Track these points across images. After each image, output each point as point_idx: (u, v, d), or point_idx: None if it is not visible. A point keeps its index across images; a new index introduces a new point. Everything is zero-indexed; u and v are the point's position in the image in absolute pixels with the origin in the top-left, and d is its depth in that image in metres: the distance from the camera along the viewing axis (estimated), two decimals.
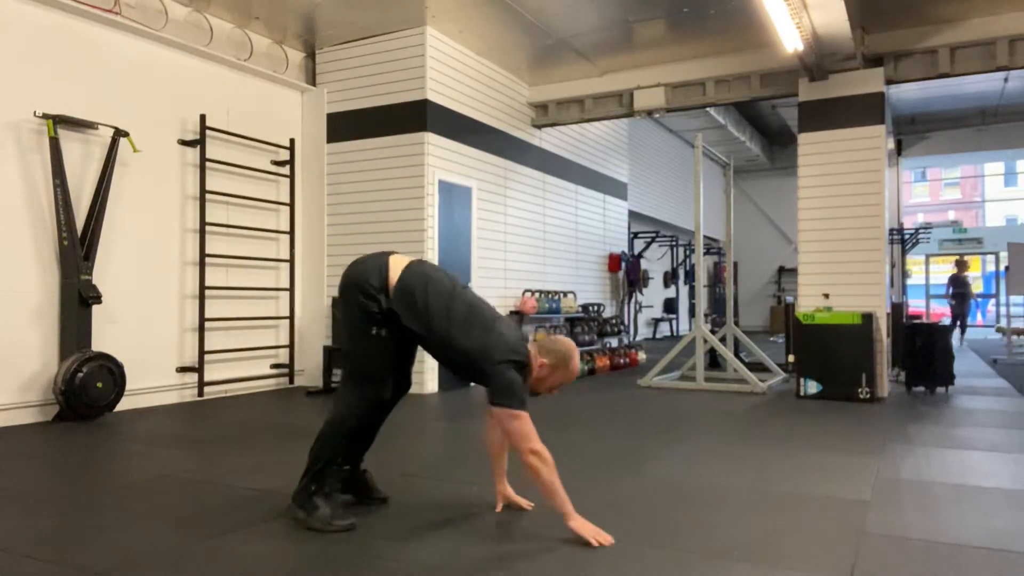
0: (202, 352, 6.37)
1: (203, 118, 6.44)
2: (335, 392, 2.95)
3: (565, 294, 9.28)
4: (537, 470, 2.63)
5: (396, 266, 2.84)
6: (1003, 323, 11.34)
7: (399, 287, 2.78)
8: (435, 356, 2.92)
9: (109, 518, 2.95)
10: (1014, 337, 11.39)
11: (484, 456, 4.20)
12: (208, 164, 6.49)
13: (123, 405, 5.59)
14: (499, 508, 3.05)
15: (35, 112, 5.28)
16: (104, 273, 5.68)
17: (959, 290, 13.89)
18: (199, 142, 6.44)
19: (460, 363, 2.80)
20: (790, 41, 6.06)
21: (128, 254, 5.95)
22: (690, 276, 16.78)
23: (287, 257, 7.36)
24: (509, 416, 2.66)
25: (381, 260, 2.86)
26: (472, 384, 7.55)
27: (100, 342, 5.60)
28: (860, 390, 6.32)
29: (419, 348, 3.00)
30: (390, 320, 2.80)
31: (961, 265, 14.04)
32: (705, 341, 7.40)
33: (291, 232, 7.39)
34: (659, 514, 3.00)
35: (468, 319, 2.76)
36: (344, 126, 7.47)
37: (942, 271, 17.75)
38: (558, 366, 2.83)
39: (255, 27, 7.02)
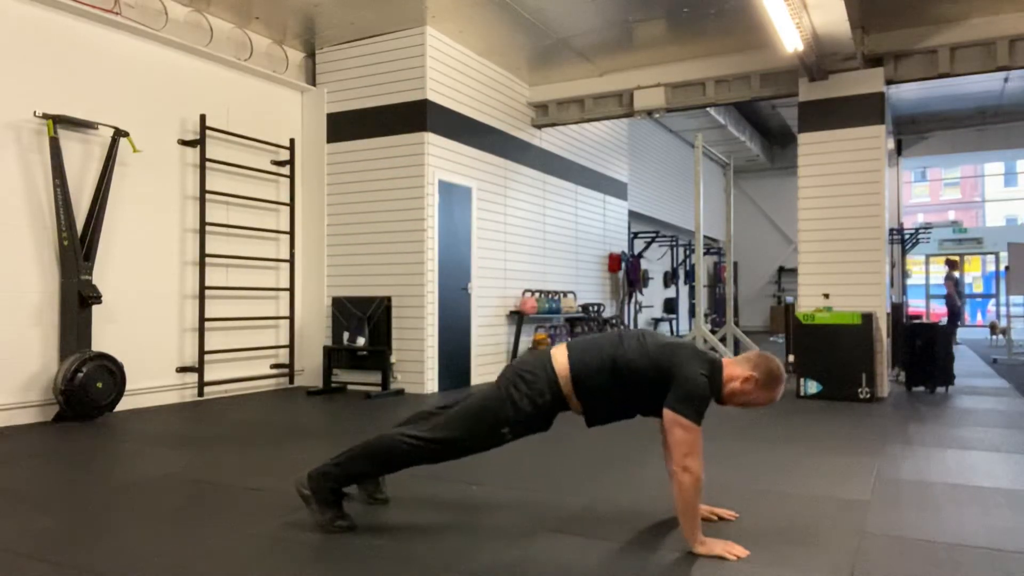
0: (202, 352, 6.37)
1: (203, 118, 6.44)
2: (425, 418, 2.81)
3: (565, 294, 9.29)
4: (684, 488, 2.47)
5: (559, 354, 2.72)
6: (1002, 322, 11.34)
7: (576, 372, 2.65)
8: (625, 411, 2.75)
9: (109, 518, 2.95)
10: (1014, 337, 11.38)
11: (484, 456, 4.20)
12: (208, 164, 6.49)
13: (123, 405, 5.59)
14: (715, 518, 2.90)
15: (35, 112, 5.28)
16: (104, 273, 5.68)
17: (960, 289, 13.95)
18: (199, 142, 6.44)
19: (648, 384, 2.61)
20: (790, 41, 6.06)
21: (128, 254, 5.95)
22: (690, 276, 16.77)
23: (287, 257, 7.36)
24: (681, 425, 2.48)
25: (550, 368, 2.70)
26: (471, 384, 7.57)
27: (100, 342, 5.60)
28: (860, 390, 6.32)
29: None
30: (528, 426, 2.69)
31: (954, 264, 14.10)
32: (705, 341, 7.40)
33: (291, 232, 7.39)
34: (659, 514, 3.00)
35: (645, 341, 2.67)
36: (344, 126, 7.47)
37: (942, 271, 17.74)
38: (765, 386, 2.63)
39: (255, 27, 7.02)
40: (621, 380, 2.64)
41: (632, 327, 12.26)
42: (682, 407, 2.50)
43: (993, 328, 13.16)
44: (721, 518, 2.90)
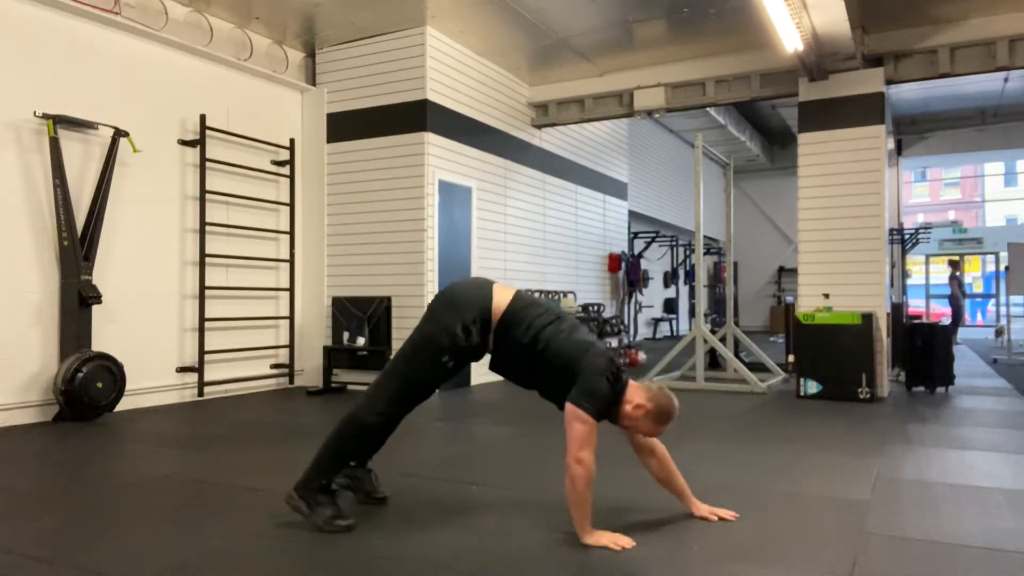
0: (202, 352, 6.37)
1: (203, 118, 6.44)
2: (369, 387, 2.91)
3: (565, 294, 9.28)
4: (577, 479, 2.57)
5: (501, 296, 2.82)
6: (1003, 322, 11.33)
7: (507, 311, 2.76)
8: (523, 379, 2.87)
9: (109, 518, 2.95)
10: (1014, 337, 11.38)
11: (484, 456, 4.20)
12: (208, 164, 6.49)
13: (123, 405, 5.59)
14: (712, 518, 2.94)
15: (35, 112, 5.28)
16: (104, 273, 5.68)
17: (962, 289, 13.99)
18: (199, 142, 6.44)
19: (556, 374, 2.71)
20: (790, 41, 6.06)
21: (128, 254, 5.95)
22: (690, 276, 16.77)
23: (287, 257, 7.36)
24: (577, 417, 2.57)
25: (486, 292, 2.82)
26: (471, 384, 7.57)
27: (100, 342, 5.59)
28: (860, 390, 6.31)
29: None
30: (467, 354, 2.80)
31: (956, 264, 14.12)
32: (705, 341, 7.40)
33: (291, 232, 7.39)
34: (659, 514, 3.00)
35: (570, 334, 2.74)
36: (344, 126, 7.47)
37: (942, 271, 17.74)
38: (655, 417, 2.71)
39: (255, 27, 7.02)
40: (534, 350, 2.73)
41: (627, 325, 12.27)
42: (583, 402, 2.59)
43: (999, 332, 13.08)
44: (722, 519, 2.91)
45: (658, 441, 2.90)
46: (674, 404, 2.73)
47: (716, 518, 2.91)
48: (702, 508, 2.93)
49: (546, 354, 2.72)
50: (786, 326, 8.74)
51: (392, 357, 2.95)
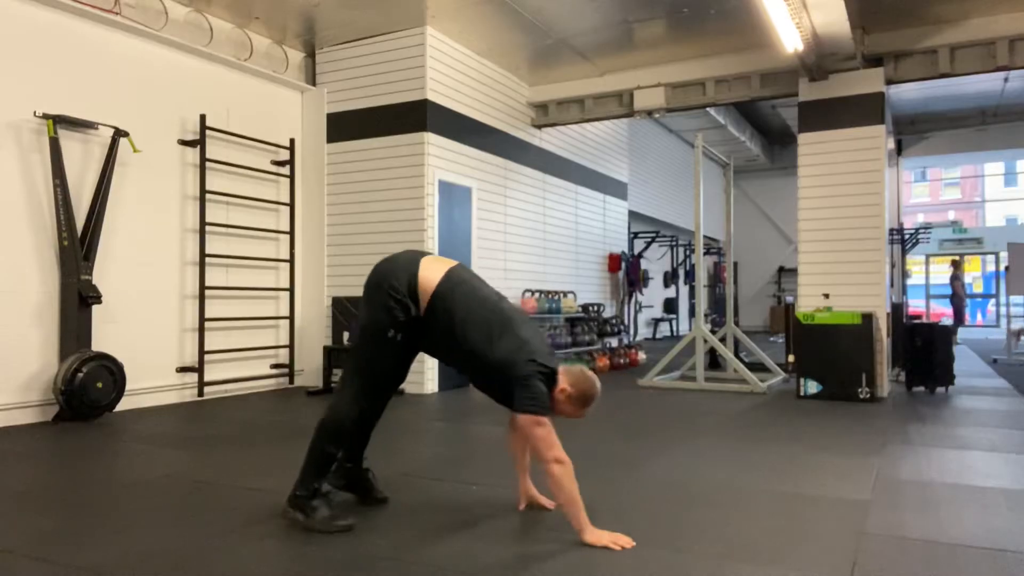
0: (202, 352, 6.37)
1: (203, 118, 6.44)
2: (336, 386, 2.96)
3: (565, 294, 9.28)
4: (560, 480, 2.62)
5: (430, 273, 2.81)
6: (1008, 324, 11.29)
7: (435, 295, 2.78)
8: (454, 362, 2.92)
9: (109, 518, 2.95)
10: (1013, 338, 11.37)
11: (484, 456, 4.20)
12: (208, 164, 6.49)
13: (123, 405, 5.59)
14: (522, 506, 3.04)
15: (35, 112, 5.28)
16: (104, 273, 5.68)
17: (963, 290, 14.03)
18: (199, 142, 6.44)
19: (486, 373, 2.79)
20: (790, 41, 6.06)
21: (128, 254, 5.95)
22: (690, 276, 16.77)
23: (287, 257, 7.36)
24: (534, 423, 2.65)
25: (413, 265, 2.83)
26: (472, 384, 7.56)
27: (100, 342, 5.59)
28: (860, 390, 6.31)
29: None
30: (410, 326, 2.80)
31: (959, 265, 14.14)
32: (705, 341, 7.40)
33: (291, 232, 7.39)
34: (659, 514, 3.00)
35: (500, 330, 2.75)
36: (344, 126, 7.47)
37: (942, 271, 17.74)
38: (576, 400, 2.80)
39: (255, 27, 7.02)
40: (461, 347, 2.78)
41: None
42: (533, 408, 2.66)
43: (1021, 334, 12.86)
44: (543, 507, 3.00)
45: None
46: (595, 387, 2.83)
47: (540, 507, 3.00)
48: (532, 490, 3.01)
49: (475, 352, 2.75)
50: (786, 326, 8.74)
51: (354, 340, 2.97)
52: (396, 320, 2.77)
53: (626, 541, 2.59)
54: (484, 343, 2.73)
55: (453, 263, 2.93)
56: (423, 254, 2.92)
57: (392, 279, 2.79)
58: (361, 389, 2.87)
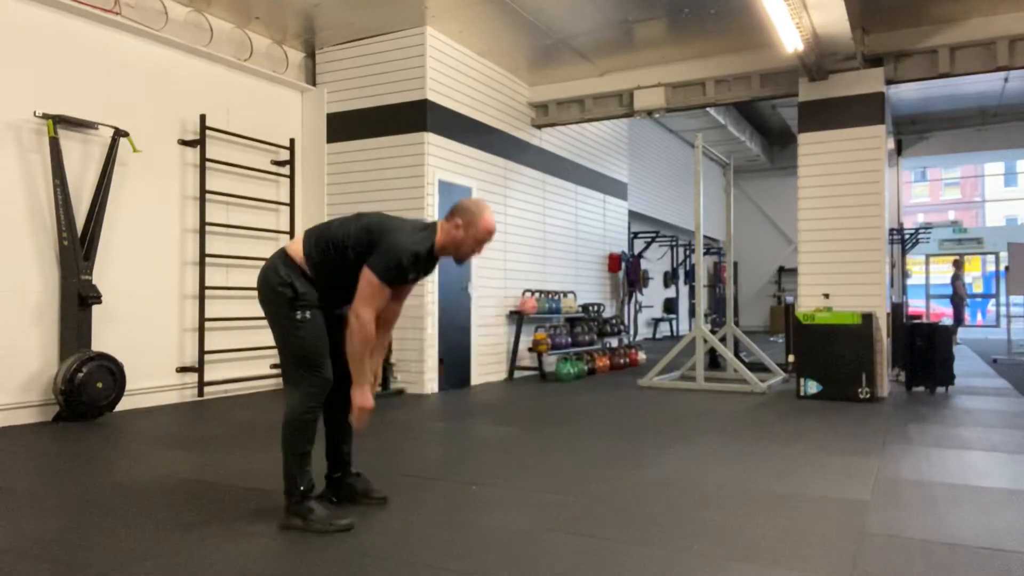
0: (202, 352, 6.37)
1: (203, 118, 6.44)
2: (284, 390, 2.97)
3: (565, 294, 9.29)
4: (353, 331, 2.75)
5: (294, 244, 2.92)
6: (1001, 322, 11.30)
7: (306, 253, 2.86)
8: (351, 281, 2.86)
9: (109, 518, 2.95)
10: (1014, 337, 11.38)
11: (484, 456, 4.21)
12: (208, 164, 6.49)
13: (123, 405, 5.59)
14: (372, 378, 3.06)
15: (35, 112, 5.28)
16: (104, 273, 5.68)
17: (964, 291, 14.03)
18: (199, 142, 6.44)
19: (360, 255, 2.80)
20: (790, 41, 6.06)
21: (128, 254, 5.95)
22: (690, 276, 16.77)
23: None
24: (367, 279, 2.74)
25: (279, 251, 2.96)
26: (471, 384, 7.57)
27: (100, 342, 5.59)
28: (860, 390, 6.31)
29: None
30: (308, 302, 2.84)
31: (960, 265, 14.13)
32: (705, 341, 7.40)
33: (291, 232, 7.39)
34: (659, 514, 3.00)
35: (375, 218, 2.89)
36: (344, 126, 7.47)
37: (942, 271, 17.75)
38: (472, 223, 2.87)
39: (255, 27, 7.02)
40: (340, 253, 2.83)
41: (630, 323, 12.27)
42: (375, 263, 2.75)
43: None
44: (359, 413, 2.96)
45: (392, 328, 3.14)
46: (477, 201, 2.95)
47: (358, 414, 2.92)
48: (368, 393, 2.88)
49: (348, 241, 2.82)
50: (786, 326, 8.74)
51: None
52: (290, 300, 2.82)
53: (366, 404, 2.79)
54: (362, 232, 2.82)
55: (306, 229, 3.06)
56: (282, 248, 3.02)
57: (271, 275, 2.86)
58: (305, 382, 2.85)
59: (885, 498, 3.24)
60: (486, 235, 2.91)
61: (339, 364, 2.93)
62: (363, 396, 2.82)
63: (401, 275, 2.80)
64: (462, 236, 2.88)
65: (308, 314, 2.84)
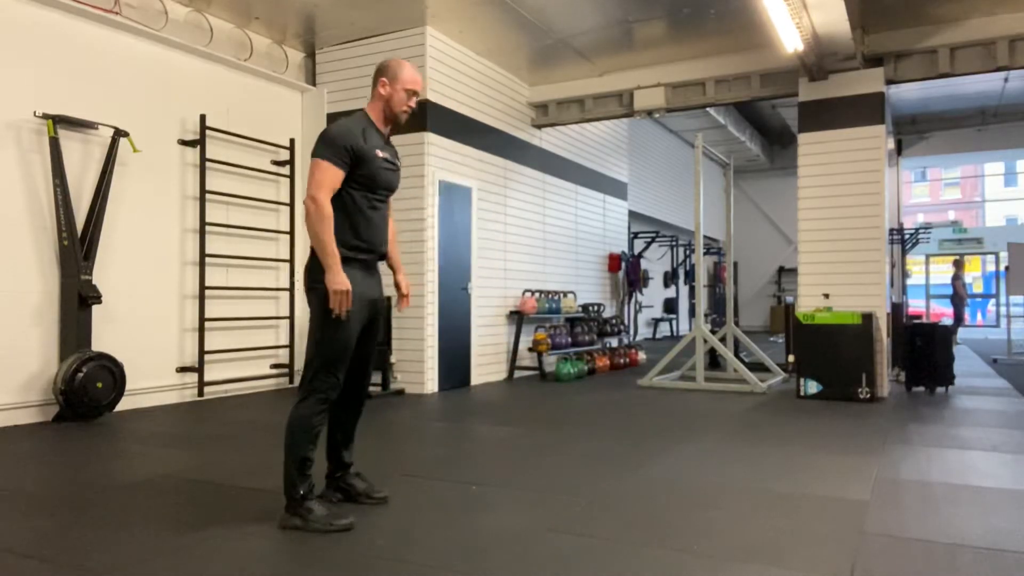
0: (202, 352, 6.37)
1: (203, 118, 6.44)
2: (300, 386, 2.94)
3: (565, 294, 9.28)
4: (309, 215, 2.80)
5: None
6: (1001, 322, 11.30)
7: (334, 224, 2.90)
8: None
9: (109, 518, 2.95)
10: (1014, 337, 11.37)
11: (484, 456, 4.21)
12: (208, 164, 6.49)
13: (123, 405, 5.59)
14: (403, 290, 3.25)
15: (35, 112, 5.28)
16: (104, 273, 5.68)
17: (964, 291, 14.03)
18: (199, 142, 6.44)
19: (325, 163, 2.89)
20: (790, 41, 6.06)
21: (128, 254, 5.95)
22: (690, 276, 16.78)
23: (287, 257, 7.35)
24: (315, 164, 2.83)
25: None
26: (471, 384, 7.57)
27: (100, 342, 5.59)
28: (860, 390, 6.31)
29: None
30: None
31: (960, 265, 14.14)
32: (705, 341, 7.40)
33: (291, 232, 7.39)
34: (659, 514, 3.00)
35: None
36: None
37: (942, 271, 17.75)
38: (396, 76, 2.96)
39: (255, 27, 7.02)
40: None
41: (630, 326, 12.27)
42: (316, 149, 2.85)
43: None
44: (402, 298, 3.21)
45: (392, 223, 3.22)
46: (395, 59, 3.04)
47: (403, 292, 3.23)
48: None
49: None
50: (786, 326, 8.74)
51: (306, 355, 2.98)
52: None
53: (343, 304, 2.77)
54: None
55: None
56: None
57: (315, 265, 2.87)
58: (322, 383, 2.85)
59: (885, 498, 3.24)
60: (412, 83, 2.99)
61: (351, 365, 2.95)
62: (334, 279, 2.78)
63: (343, 152, 2.84)
64: (389, 91, 2.97)
65: (345, 313, 2.82)
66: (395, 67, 2.98)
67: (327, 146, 2.83)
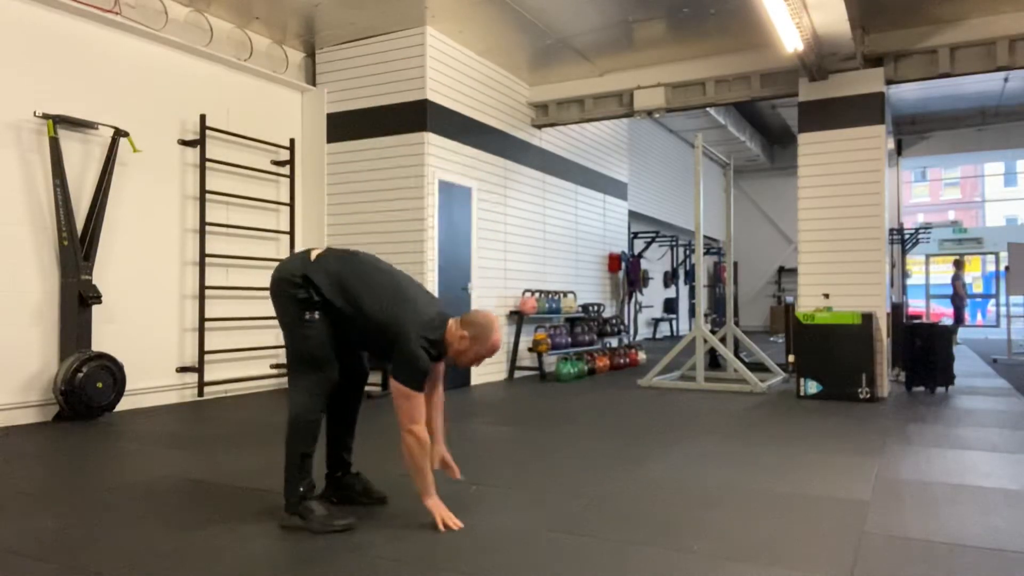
0: (202, 352, 6.37)
1: (203, 118, 6.44)
2: (289, 388, 2.96)
3: (565, 294, 9.28)
4: (411, 449, 2.76)
5: (320, 255, 2.93)
6: (1001, 322, 11.30)
7: (321, 266, 2.87)
8: (357, 338, 2.94)
9: (109, 518, 2.95)
10: (1014, 337, 11.37)
11: (484, 456, 4.21)
12: (208, 164, 6.49)
13: (123, 405, 5.59)
14: (435, 466, 3.08)
15: (35, 112, 5.28)
16: (104, 273, 5.68)
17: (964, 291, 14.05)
18: (199, 142, 6.44)
19: (375, 336, 2.83)
20: (790, 41, 6.06)
21: (128, 254, 5.95)
22: (690, 276, 16.78)
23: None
24: (402, 394, 2.74)
25: (304, 253, 2.97)
26: (471, 384, 7.57)
27: (100, 342, 5.59)
28: (860, 390, 6.31)
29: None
30: (321, 304, 2.84)
31: (961, 265, 14.15)
32: (705, 341, 7.40)
33: (291, 232, 7.39)
34: (659, 514, 3.00)
35: (389, 291, 2.84)
36: (344, 126, 7.47)
37: (942, 271, 17.76)
38: (478, 338, 2.87)
39: (255, 27, 7.02)
40: (361, 322, 2.83)
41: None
42: (406, 379, 2.74)
43: None
44: (450, 471, 3.10)
45: (440, 390, 3.11)
46: (485, 314, 2.93)
47: (446, 469, 3.09)
48: (445, 453, 3.05)
49: (367, 326, 2.82)
50: (786, 326, 8.74)
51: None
52: (302, 300, 2.82)
53: (454, 522, 2.77)
54: (372, 304, 2.80)
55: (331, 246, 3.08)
56: (311, 248, 3.03)
57: (285, 274, 2.87)
58: (309, 380, 2.86)
59: (885, 498, 3.24)
60: (488, 354, 2.92)
61: (342, 361, 2.94)
62: (435, 507, 2.82)
63: (425, 373, 2.80)
64: (465, 348, 2.87)
65: (317, 315, 2.84)
66: (484, 332, 2.86)
67: (415, 377, 2.75)
